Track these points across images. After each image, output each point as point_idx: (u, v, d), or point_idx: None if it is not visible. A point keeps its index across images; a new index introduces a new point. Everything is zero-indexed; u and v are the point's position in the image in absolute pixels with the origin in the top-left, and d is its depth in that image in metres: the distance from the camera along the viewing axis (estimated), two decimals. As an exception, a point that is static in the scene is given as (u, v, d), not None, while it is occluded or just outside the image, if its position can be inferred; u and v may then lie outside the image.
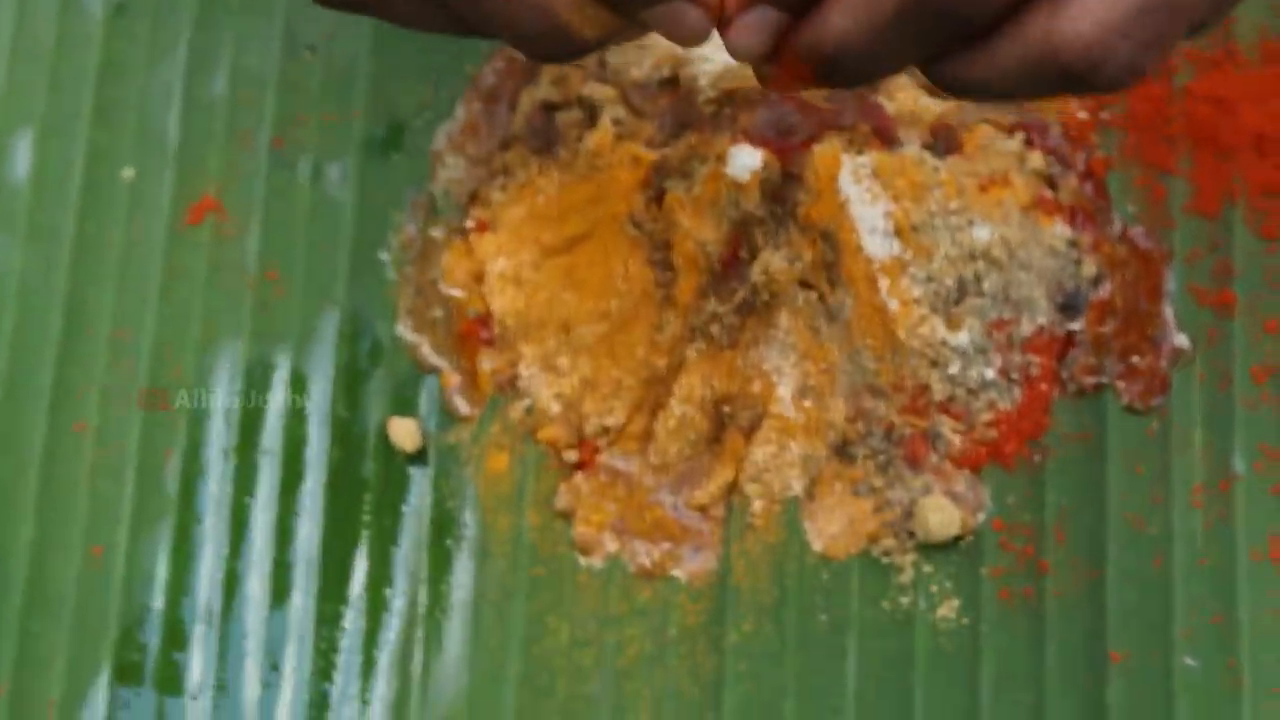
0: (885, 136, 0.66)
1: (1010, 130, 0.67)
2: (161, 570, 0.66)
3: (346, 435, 0.67)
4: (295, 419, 0.67)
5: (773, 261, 0.62)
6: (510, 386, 0.67)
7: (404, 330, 0.68)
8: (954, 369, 0.64)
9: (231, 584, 0.65)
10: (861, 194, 0.63)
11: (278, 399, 0.67)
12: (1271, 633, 0.62)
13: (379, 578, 0.65)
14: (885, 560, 0.64)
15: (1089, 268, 0.66)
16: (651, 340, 0.65)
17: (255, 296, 0.68)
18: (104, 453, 0.67)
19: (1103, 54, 0.39)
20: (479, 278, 0.68)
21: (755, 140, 0.63)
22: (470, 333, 0.67)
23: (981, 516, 0.64)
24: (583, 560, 0.65)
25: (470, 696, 0.64)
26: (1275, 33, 0.68)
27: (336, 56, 0.71)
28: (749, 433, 0.64)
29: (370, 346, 0.68)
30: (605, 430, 0.65)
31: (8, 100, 0.71)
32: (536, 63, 0.63)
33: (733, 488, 0.65)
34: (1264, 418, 0.64)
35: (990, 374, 0.64)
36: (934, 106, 0.67)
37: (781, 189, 0.63)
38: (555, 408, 0.66)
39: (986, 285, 0.64)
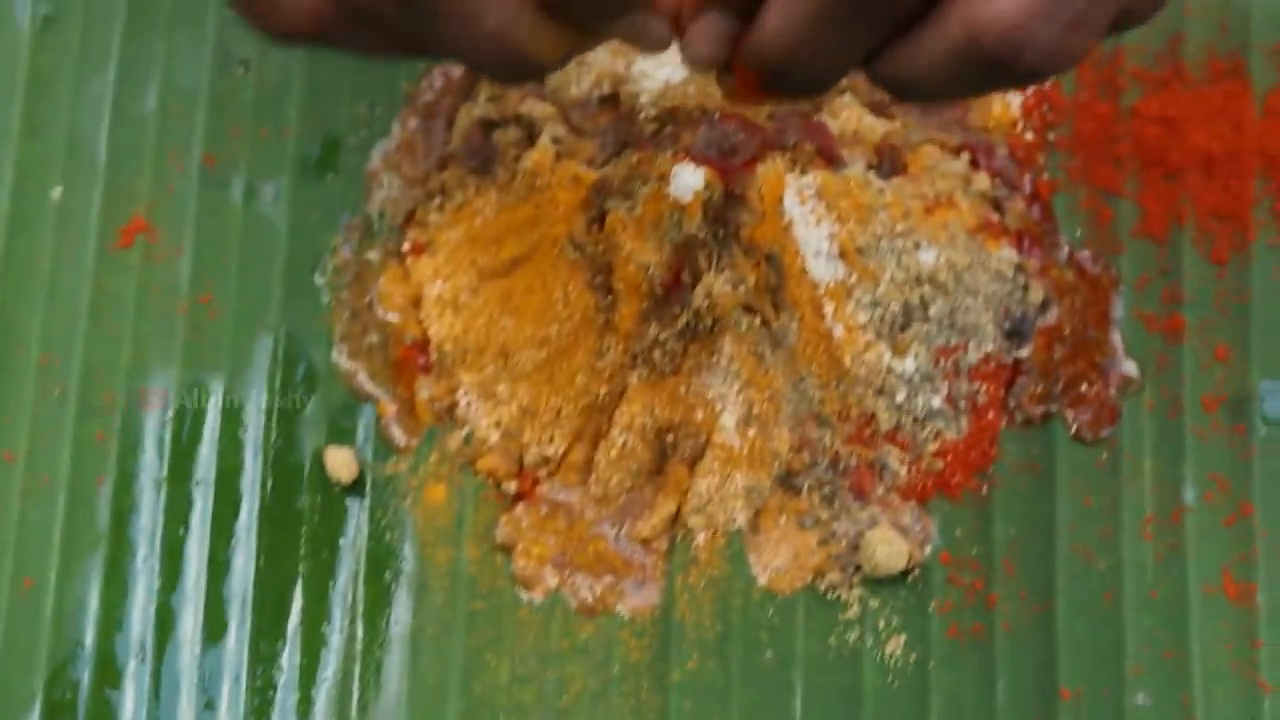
0: (829, 156, 0.64)
1: (956, 151, 0.66)
2: (93, 604, 0.64)
3: (282, 465, 0.66)
4: (229, 448, 0.66)
5: (716, 285, 0.61)
6: (448, 415, 0.65)
7: (339, 357, 0.66)
8: (900, 397, 0.63)
9: (165, 619, 0.64)
10: (806, 215, 0.62)
11: (211, 427, 0.66)
12: (1224, 668, 0.62)
13: (316, 613, 0.64)
14: (831, 595, 0.63)
15: (1036, 293, 0.65)
16: (592, 367, 0.63)
17: (187, 321, 0.67)
18: (33, 481, 0.65)
19: (1023, 38, 0.38)
20: (416, 302, 0.66)
21: (698, 159, 0.62)
22: (407, 359, 0.66)
23: (929, 549, 0.63)
24: (523, 595, 0.64)
25: (409, 735, 0.63)
26: (1223, 52, 0.67)
27: (269, 72, 0.69)
28: (692, 463, 0.63)
29: (305, 373, 0.66)
30: (545, 460, 0.64)
31: (-68, 117, 0.69)
32: (497, 84, 0.62)
33: (676, 519, 0.64)
34: (1215, 447, 0.64)
35: (937, 402, 0.63)
36: (878, 126, 0.66)
37: (724, 210, 0.62)
38: (494, 437, 0.65)
39: (933, 311, 0.63)
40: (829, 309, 0.62)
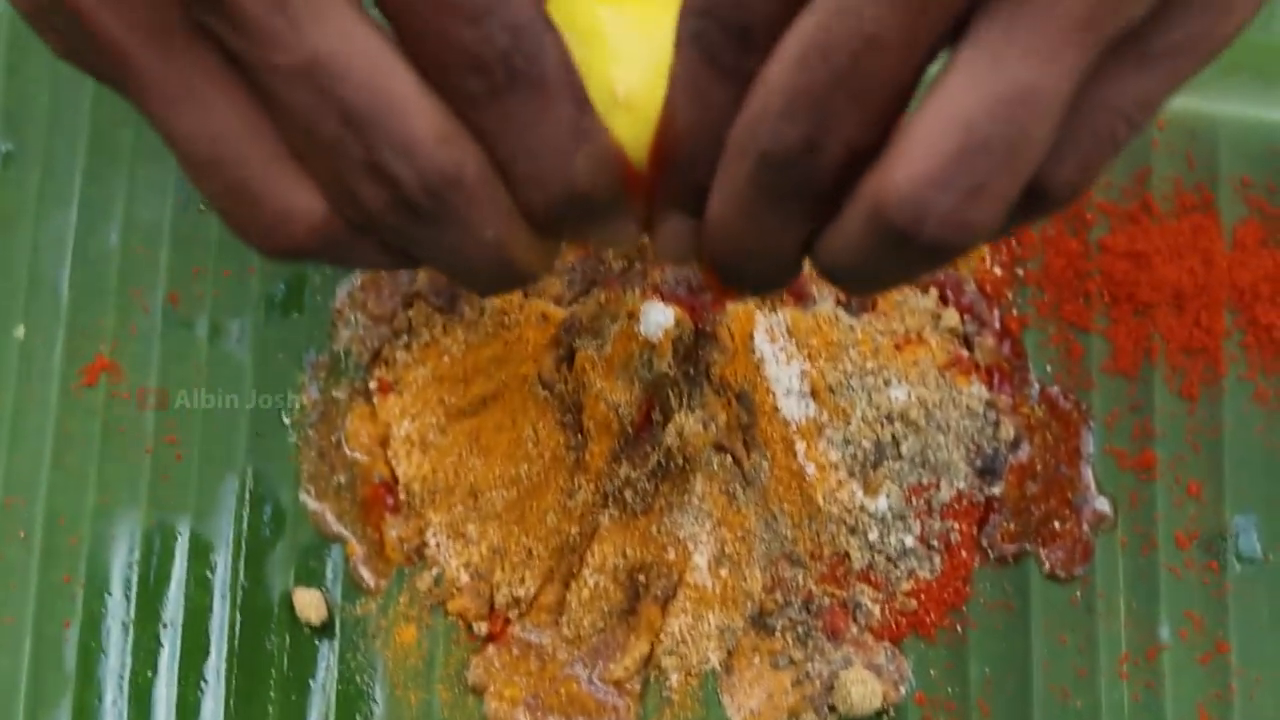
0: (798, 293, 0.64)
1: (925, 287, 0.66)
2: (61, 751, 0.64)
3: (250, 607, 0.65)
4: (197, 590, 0.65)
5: (687, 424, 0.61)
6: (418, 555, 0.65)
7: (307, 497, 0.66)
8: (873, 535, 0.63)
9: (134, 766, 0.64)
10: (776, 353, 0.62)
11: (178, 569, 0.65)
12: (1202, 809, 0.62)
13: (287, 760, 0.63)
14: (807, 737, 0.63)
15: (1007, 430, 0.64)
16: (563, 507, 0.63)
17: (152, 462, 0.66)
18: (-1, 625, 0.65)
19: (921, 207, 0.37)
20: (384, 441, 0.66)
21: (667, 297, 0.62)
22: (375, 499, 0.65)
23: (904, 690, 0.63)
24: (496, 739, 0.63)
25: None
26: (1190, 185, 0.67)
27: (233, 208, 0.69)
28: (664, 603, 0.63)
29: (272, 513, 0.66)
30: (516, 601, 0.64)
31: (-109, 258, 0.69)
32: (478, 294, 0.62)
33: (649, 660, 0.63)
34: (1189, 584, 0.64)
35: (910, 541, 0.63)
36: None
37: (695, 348, 0.61)
38: (464, 577, 0.64)
39: (904, 448, 0.63)
40: (801, 447, 0.62)
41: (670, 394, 0.61)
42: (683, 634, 0.63)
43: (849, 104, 0.37)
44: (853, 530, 0.62)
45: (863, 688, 0.62)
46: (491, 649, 0.64)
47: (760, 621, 0.63)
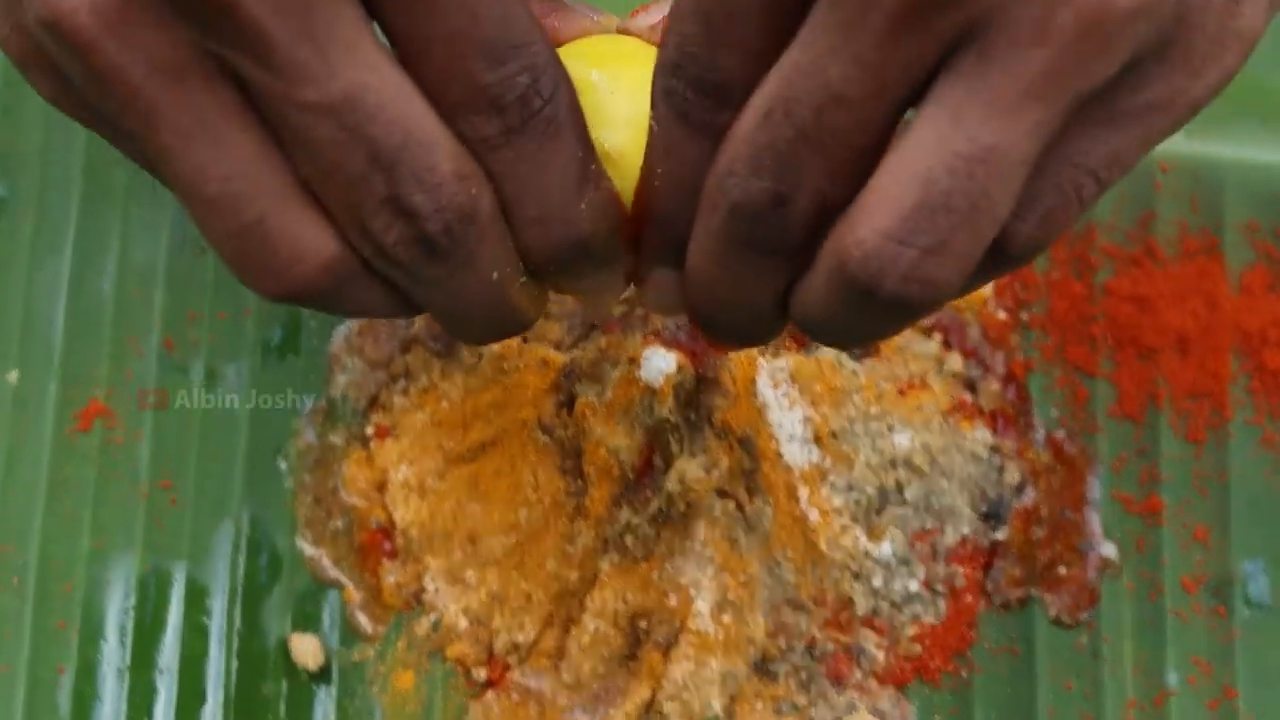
0: (800, 339, 0.64)
1: (928, 331, 0.65)
2: (56, 801, 0.63)
3: (247, 652, 0.64)
4: (193, 635, 0.64)
5: (689, 470, 0.60)
6: (415, 601, 0.64)
7: (303, 543, 0.65)
8: (877, 581, 0.62)
9: (130, 817, 0.63)
10: (779, 399, 0.62)
11: (174, 614, 0.65)
12: None
13: (284, 809, 0.63)
14: (810, 787, 0.62)
15: (1012, 474, 0.64)
16: (563, 552, 0.63)
17: (147, 507, 0.66)
18: (-8, 672, 0.64)
19: (881, 262, 0.37)
20: (381, 486, 0.65)
21: (668, 343, 0.61)
22: (372, 544, 0.65)
23: (908, 737, 0.63)
24: (496, 788, 0.63)
25: None
26: (1195, 229, 0.67)
27: (228, 252, 0.68)
28: (666, 649, 0.62)
29: (269, 559, 0.65)
30: (516, 647, 0.63)
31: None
32: (471, 344, 0.62)
33: (650, 707, 0.63)
34: (1197, 629, 0.63)
35: (914, 586, 0.63)
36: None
37: (696, 393, 0.61)
38: (463, 623, 0.64)
39: (908, 494, 0.63)
40: (804, 493, 0.62)
41: (671, 439, 0.61)
42: (685, 680, 0.62)
43: (814, 157, 0.38)
44: (856, 576, 0.62)
45: (867, 735, 0.61)
46: (490, 695, 0.63)
47: (763, 667, 0.63)
